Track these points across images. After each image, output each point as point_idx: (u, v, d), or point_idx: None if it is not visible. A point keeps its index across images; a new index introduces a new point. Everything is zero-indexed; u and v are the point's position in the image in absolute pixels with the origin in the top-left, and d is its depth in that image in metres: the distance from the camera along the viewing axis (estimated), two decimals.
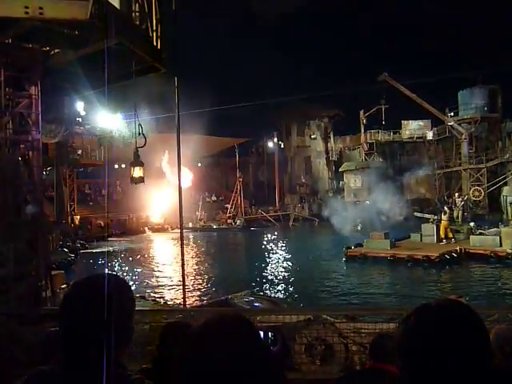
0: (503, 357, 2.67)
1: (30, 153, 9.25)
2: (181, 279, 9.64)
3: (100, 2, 6.31)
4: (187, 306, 9.90)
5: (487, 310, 6.74)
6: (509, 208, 34.86)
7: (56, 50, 8.75)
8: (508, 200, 35.86)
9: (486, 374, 1.13)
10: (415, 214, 30.36)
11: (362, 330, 6.41)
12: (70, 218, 39.49)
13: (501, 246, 22.37)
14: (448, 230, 25.52)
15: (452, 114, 49.88)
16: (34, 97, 8.99)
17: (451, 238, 25.19)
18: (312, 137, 60.95)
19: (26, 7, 6.15)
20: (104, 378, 1.29)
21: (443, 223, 25.67)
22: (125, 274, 22.44)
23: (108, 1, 6.86)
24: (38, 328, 5.62)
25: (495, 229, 25.27)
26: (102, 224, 40.25)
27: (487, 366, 1.14)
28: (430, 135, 52.42)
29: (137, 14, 7.92)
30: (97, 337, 1.35)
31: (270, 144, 60.60)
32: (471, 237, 24.36)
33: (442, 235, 25.29)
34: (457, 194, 27.23)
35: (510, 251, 21.63)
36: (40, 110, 9.09)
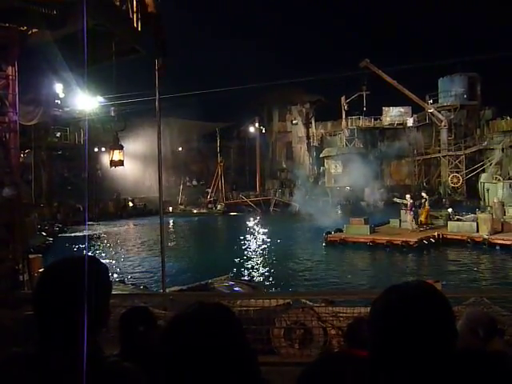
0: (478, 341, 2.69)
1: (7, 135, 9.09)
2: (160, 263, 9.62)
3: None
4: (166, 290, 9.88)
5: (463, 293, 6.88)
6: (486, 194, 35.40)
7: (34, 30, 8.57)
8: (485, 187, 36.39)
9: (449, 353, 1.15)
10: (394, 199, 30.65)
11: (341, 314, 6.49)
12: (47, 201, 39.03)
13: (478, 231, 22.74)
14: (427, 215, 25.88)
15: (432, 101, 50.29)
16: (10, 77, 8.82)
17: (428, 224, 25.56)
18: (293, 122, 60.92)
19: None
20: (80, 360, 1.29)
21: (425, 208, 25.97)
22: (103, 258, 22.31)
23: None
24: (16, 312, 5.58)
25: (472, 215, 25.67)
26: (81, 208, 39.84)
27: (451, 345, 1.16)
28: (410, 122, 52.80)
29: None
30: (71, 319, 1.34)
31: (252, 129, 60.39)
32: (449, 223, 24.70)
33: (423, 221, 25.60)
34: (423, 194, 27.49)
35: (486, 237, 22.00)
36: (17, 91, 8.93)
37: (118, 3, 7.92)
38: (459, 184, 46.91)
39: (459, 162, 47.27)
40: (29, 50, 8.73)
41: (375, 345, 1.19)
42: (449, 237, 23.49)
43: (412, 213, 24.74)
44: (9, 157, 9.13)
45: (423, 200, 26.61)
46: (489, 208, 29.39)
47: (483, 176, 40.16)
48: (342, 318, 6.45)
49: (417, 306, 1.17)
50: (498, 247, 21.66)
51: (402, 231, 24.60)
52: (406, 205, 25.46)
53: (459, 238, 23.11)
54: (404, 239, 22.67)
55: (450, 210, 27.71)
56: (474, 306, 5.54)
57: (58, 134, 42.99)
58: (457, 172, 47.30)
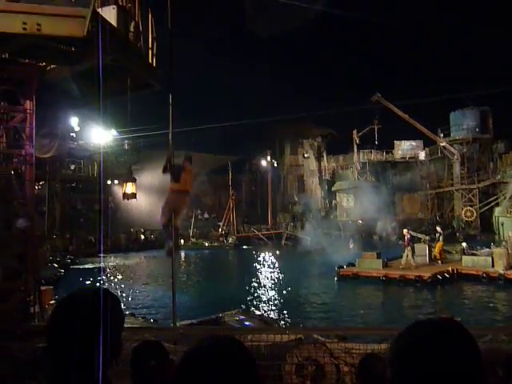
0: (496, 380, 2.61)
1: (23, 167, 9.22)
2: (171, 297, 9.56)
3: (97, 19, 6.36)
4: (177, 324, 9.79)
5: (480, 331, 6.73)
6: (501, 229, 34.99)
7: (52, 66, 8.79)
8: (500, 221, 36.03)
9: None
10: (410, 232, 30.37)
11: (353, 351, 6.37)
12: (60, 233, 39.25)
13: (493, 266, 22.36)
14: (442, 250, 25.58)
15: (443, 134, 50.32)
16: (28, 111, 8.99)
17: (443, 259, 25.24)
18: (305, 156, 61.17)
19: (25, 23, 6.19)
20: None
21: (439, 244, 25.69)
22: (114, 290, 22.23)
23: (105, 18, 6.91)
24: (26, 344, 5.55)
25: (487, 249, 25.31)
26: (93, 240, 39.97)
27: None
28: (422, 155, 52.80)
29: (132, 32, 7.99)
30: (85, 352, 1.34)
31: (264, 162, 60.69)
32: (463, 257, 24.36)
33: (438, 255, 25.29)
34: (438, 228, 27.23)
35: (502, 272, 21.63)
36: (34, 124, 9.09)
37: (133, 40, 8.12)
38: (473, 218, 46.44)
39: (472, 195, 46.92)
40: (46, 84, 8.93)
41: (396, 381, 1.15)
42: (463, 272, 23.13)
43: (410, 247, 24.14)
44: (24, 189, 9.24)
45: (437, 234, 26.36)
46: (504, 242, 28.99)
47: (497, 210, 39.79)
48: (354, 355, 6.32)
49: (444, 343, 1.12)
50: None
51: (416, 266, 24.27)
52: (420, 238, 25.20)
53: (474, 273, 22.74)
54: (417, 274, 22.35)
55: (464, 244, 27.36)
56: (490, 344, 5.42)
57: (73, 167, 43.56)
58: (470, 206, 46.88)
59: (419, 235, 28.02)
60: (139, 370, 2.75)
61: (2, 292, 8.54)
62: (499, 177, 45.41)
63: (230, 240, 49.08)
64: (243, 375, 1.16)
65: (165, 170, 9.02)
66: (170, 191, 9.66)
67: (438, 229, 26.93)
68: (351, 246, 39.50)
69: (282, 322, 16.60)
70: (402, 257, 26.58)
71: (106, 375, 1.38)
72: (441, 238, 25.94)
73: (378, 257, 24.97)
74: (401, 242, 25.40)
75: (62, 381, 1.35)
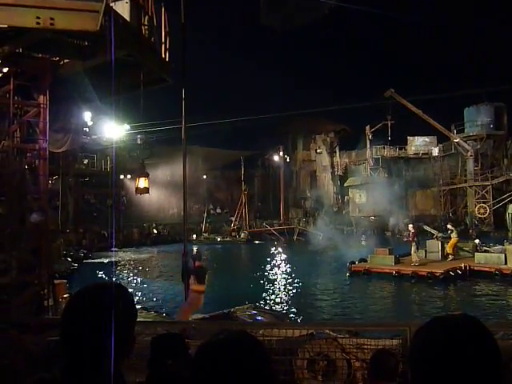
0: (509, 375, 2.60)
1: (37, 161, 9.29)
2: (183, 291, 9.61)
3: (110, 13, 6.37)
4: (190, 318, 9.83)
5: (492, 327, 6.67)
6: None
7: (65, 60, 8.83)
8: None
9: None
10: (424, 227, 30.12)
11: (365, 346, 6.35)
12: (74, 227, 39.57)
13: (506, 263, 22.17)
14: (454, 247, 25.38)
15: (457, 130, 49.91)
16: (42, 106, 9.05)
17: (453, 255, 25.06)
18: (318, 151, 61.02)
19: (38, 17, 6.21)
20: None
21: (453, 239, 25.48)
22: (127, 285, 22.37)
23: (118, 13, 6.93)
24: (40, 337, 5.60)
25: (500, 246, 25.08)
26: (106, 234, 40.26)
27: (497, 382, 1.12)
28: (435, 151, 52.42)
29: (146, 26, 7.99)
30: (98, 345, 1.34)
31: (276, 157, 60.63)
32: (476, 254, 24.17)
33: (450, 252, 25.08)
34: (449, 226, 26.92)
35: None
36: (48, 119, 9.14)
37: (146, 35, 8.13)
38: (486, 214, 46.07)
39: (486, 192, 46.52)
40: (60, 79, 8.97)
41: (416, 380, 1.15)
42: (476, 268, 22.94)
43: (414, 243, 23.72)
44: (38, 183, 9.31)
45: (449, 231, 26.15)
46: None
47: (511, 207, 39.43)
48: (366, 350, 6.31)
49: (464, 339, 1.12)
50: None
51: (428, 262, 24.15)
52: (433, 234, 24.99)
53: (487, 269, 22.56)
54: (430, 270, 22.23)
55: (476, 241, 27.14)
56: (502, 341, 5.37)
57: (86, 161, 43.85)
58: (484, 202, 46.50)
59: (433, 231, 27.79)
60: (157, 363, 2.74)
61: (16, 285, 8.63)
62: None
63: (242, 235, 49.12)
64: (257, 369, 1.16)
65: (183, 278, 9.57)
66: (194, 293, 9.94)
67: (450, 226, 26.72)
68: (363, 241, 39.37)
69: (294, 317, 16.61)
70: (425, 252, 26.25)
71: (118, 369, 1.38)
72: (452, 234, 25.71)
73: (390, 253, 24.84)
74: (406, 238, 25.14)
75: (76, 374, 1.36)
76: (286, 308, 18.59)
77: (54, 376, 1.40)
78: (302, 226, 52.32)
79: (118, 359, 1.36)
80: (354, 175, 55.89)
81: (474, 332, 1.15)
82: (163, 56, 8.82)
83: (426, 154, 52.76)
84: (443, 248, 25.21)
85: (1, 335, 5.28)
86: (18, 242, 8.84)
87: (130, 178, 43.07)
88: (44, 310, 9.14)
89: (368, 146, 54.48)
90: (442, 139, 51.83)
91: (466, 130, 49.60)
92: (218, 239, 48.93)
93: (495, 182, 46.15)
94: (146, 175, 10.29)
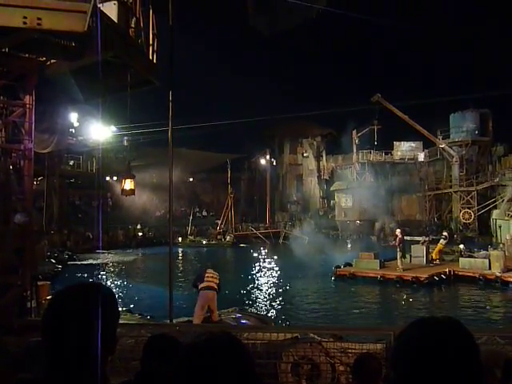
0: (495, 381, 2.62)
1: (22, 162, 9.19)
2: (168, 294, 9.57)
3: (98, 15, 6.34)
4: (174, 321, 9.80)
5: (475, 332, 6.73)
6: (498, 231, 35.08)
7: (52, 61, 8.77)
8: (497, 223, 36.10)
9: None
10: (405, 237, 30.26)
11: (349, 350, 6.37)
12: (58, 228, 39.22)
13: (490, 268, 22.39)
14: (441, 252, 25.66)
15: (443, 136, 50.37)
16: (27, 106, 8.96)
17: (438, 260, 25.31)
18: (304, 155, 61.20)
19: (25, 17, 6.17)
20: None
21: (439, 245, 25.72)
22: (111, 287, 22.22)
23: (106, 14, 6.90)
24: (22, 339, 5.55)
25: (484, 252, 25.35)
26: (91, 236, 39.94)
27: (479, 381, 1.13)
28: (421, 157, 52.88)
29: (133, 28, 7.97)
30: (81, 346, 1.33)
31: (263, 161, 60.67)
32: (460, 259, 24.39)
33: (435, 257, 25.32)
34: (445, 233, 27.37)
35: (498, 274, 21.67)
36: (33, 119, 9.06)
37: (134, 36, 8.11)
38: (471, 220, 46.51)
39: (471, 197, 46.98)
40: (46, 79, 8.90)
41: (398, 381, 1.16)
42: (460, 273, 23.15)
43: (399, 249, 23.52)
44: (22, 184, 9.21)
45: (442, 237, 26.47)
46: (501, 245, 29.08)
47: (495, 212, 39.86)
48: (350, 354, 6.33)
49: (445, 341, 1.14)
50: (511, 285, 21.30)
51: (413, 267, 24.30)
52: (418, 240, 25.19)
53: (471, 274, 22.77)
54: (414, 275, 22.38)
55: (461, 246, 27.43)
56: (486, 345, 5.42)
57: (71, 163, 43.55)
58: (468, 208, 46.95)
59: (416, 238, 28.01)
60: (149, 362, 2.74)
61: None
62: (498, 179, 45.46)
63: (228, 238, 49.04)
64: (240, 371, 1.16)
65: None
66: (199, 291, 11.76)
67: (445, 234, 27.08)
68: (349, 245, 39.54)
69: (279, 321, 16.62)
70: (410, 257, 26.29)
71: (103, 370, 1.38)
72: (441, 240, 25.98)
73: (376, 257, 24.99)
74: (393, 242, 25.20)
75: (60, 374, 1.35)
76: (271, 311, 18.60)
77: (34, 376, 1.39)
78: (287, 229, 52.37)
79: (102, 359, 1.36)
80: (341, 179, 56.09)
81: (454, 334, 1.17)
82: (151, 58, 8.80)
83: (412, 159, 53.17)
84: (428, 253, 25.41)
85: None
86: (1, 243, 8.74)
87: (115, 180, 42.82)
88: (27, 312, 9.04)
89: (354, 150, 54.74)
90: (427, 145, 52.35)
91: (451, 136, 50.05)
92: (204, 242, 48.79)
93: (480, 187, 46.61)
94: (132, 177, 10.23)
